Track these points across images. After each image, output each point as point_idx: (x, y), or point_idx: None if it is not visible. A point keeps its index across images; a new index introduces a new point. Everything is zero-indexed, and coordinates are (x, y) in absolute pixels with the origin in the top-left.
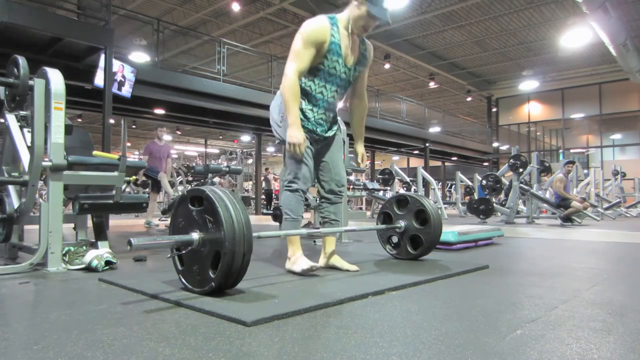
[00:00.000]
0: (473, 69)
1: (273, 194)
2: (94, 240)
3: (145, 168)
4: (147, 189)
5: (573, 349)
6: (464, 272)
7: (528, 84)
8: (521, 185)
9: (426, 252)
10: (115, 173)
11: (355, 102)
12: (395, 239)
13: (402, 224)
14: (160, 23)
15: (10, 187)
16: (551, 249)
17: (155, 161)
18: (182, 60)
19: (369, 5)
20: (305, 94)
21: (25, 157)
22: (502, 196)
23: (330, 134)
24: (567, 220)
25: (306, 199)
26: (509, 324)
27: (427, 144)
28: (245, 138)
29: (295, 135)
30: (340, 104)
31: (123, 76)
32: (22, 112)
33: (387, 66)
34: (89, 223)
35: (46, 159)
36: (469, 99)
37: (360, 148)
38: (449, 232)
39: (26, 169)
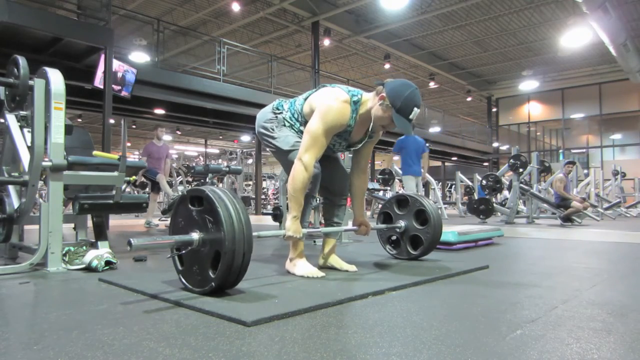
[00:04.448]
0: (473, 69)
1: None
2: (94, 240)
3: (145, 169)
4: (147, 189)
5: (573, 349)
6: (464, 272)
7: (528, 84)
8: (521, 185)
9: (426, 252)
10: (115, 173)
11: (355, 177)
12: (395, 239)
13: (402, 224)
14: (160, 23)
15: (10, 187)
16: (551, 249)
17: (155, 162)
18: (182, 60)
19: (395, 115)
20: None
21: (25, 157)
22: (506, 192)
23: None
24: (567, 220)
25: None
26: (509, 324)
27: (427, 144)
28: (245, 138)
29: (295, 229)
30: None
31: (121, 80)
32: (22, 112)
33: (387, 66)
34: (89, 223)
35: (46, 159)
36: (469, 99)
37: (360, 219)
38: (449, 232)
39: (26, 169)
